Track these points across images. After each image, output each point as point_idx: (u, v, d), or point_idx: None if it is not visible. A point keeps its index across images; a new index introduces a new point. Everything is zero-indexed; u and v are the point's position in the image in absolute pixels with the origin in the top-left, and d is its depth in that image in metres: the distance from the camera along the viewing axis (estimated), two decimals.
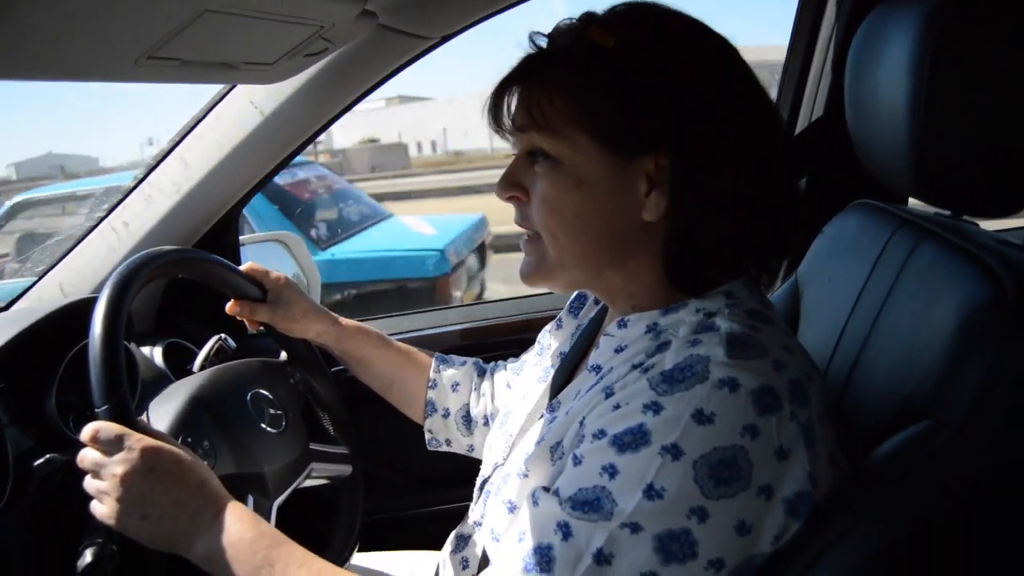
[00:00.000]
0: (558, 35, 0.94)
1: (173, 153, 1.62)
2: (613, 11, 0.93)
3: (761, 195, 0.90)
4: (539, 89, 0.91)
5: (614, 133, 0.89)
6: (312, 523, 1.31)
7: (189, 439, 1.14)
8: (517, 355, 1.37)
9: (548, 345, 1.23)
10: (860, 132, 1.12)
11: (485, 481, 1.10)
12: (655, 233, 0.92)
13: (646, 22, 0.91)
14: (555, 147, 0.91)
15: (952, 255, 0.95)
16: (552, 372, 1.13)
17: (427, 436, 1.45)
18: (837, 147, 1.33)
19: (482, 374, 1.43)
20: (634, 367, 0.87)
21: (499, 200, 0.99)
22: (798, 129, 1.69)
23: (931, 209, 1.09)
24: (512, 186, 0.97)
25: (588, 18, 0.92)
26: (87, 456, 0.99)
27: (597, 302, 1.18)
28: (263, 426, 1.28)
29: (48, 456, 1.18)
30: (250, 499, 1.17)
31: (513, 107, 0.94)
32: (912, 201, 1.33)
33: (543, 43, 0.96)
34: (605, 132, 0.89)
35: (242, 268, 1.35)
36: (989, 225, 1.09)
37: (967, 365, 0.82)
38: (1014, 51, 0.91)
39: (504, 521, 0.93)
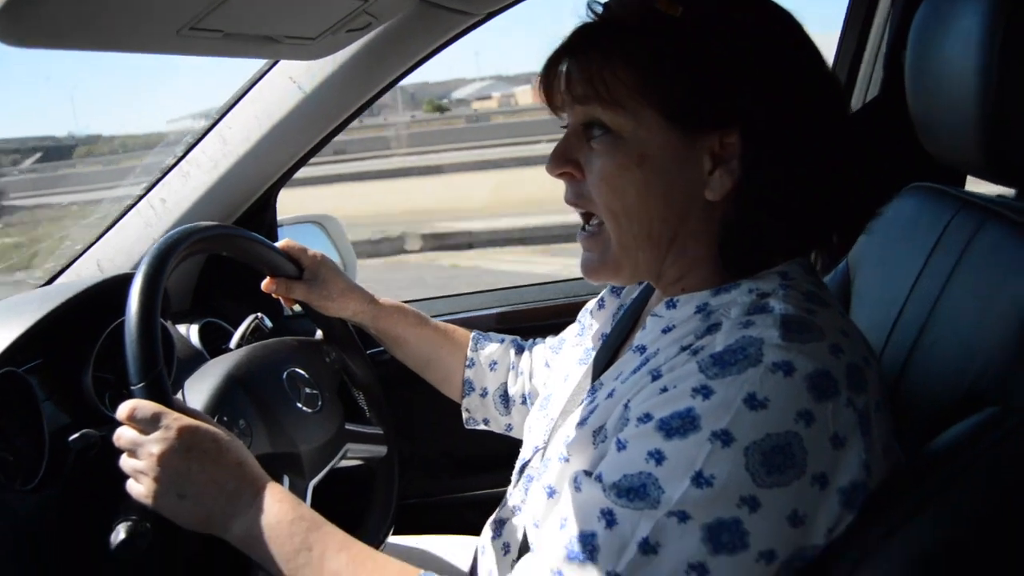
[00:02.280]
0: (620, 4, 0.90)
1: (213, 130, 1.61)
2: None
3: (826, 175, 0.87)
4: (602, 59, 0.86)
5: (682, 108, 0.85)
6: (347, 504, 1.29)
7: (225, 418, 1.13)
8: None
9: (589, 325, 1.20)
10: (922, 110, 1.08)
11: (525, 464, 1.07)
12: (715, 212, 0.88)
13: None
14: (617, 121, 0.87)
15: (1019, 236, 0.91)
16: (594, 353, 1.10)
17: (464, 415, 1.43)
18: (893, 127, 1.29)
19: (520, 352, 1.41)
20: (683, 349, 0.84)
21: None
22: (852, 110, 1.64)
23: (992, 192, 1.05)
24: (565, 162, 0.92)
25: None
26: (123, 435, 0.98)
27: (641, 281, 1.15)
28: (299, 405, 1.27)
29: (83, 431, 1.18)
30: (286, 479, 1.16)
31: (572, 78, 0.89)
32: (969, 187, 1.29)
33: (602, 12, 0.91)
34: (673, 106, 0.85)
35: (278, 245, 1.33)
36: None
37: None
38: None
39: (545, 507, 0.90)
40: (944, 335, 0.97)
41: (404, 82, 1.68)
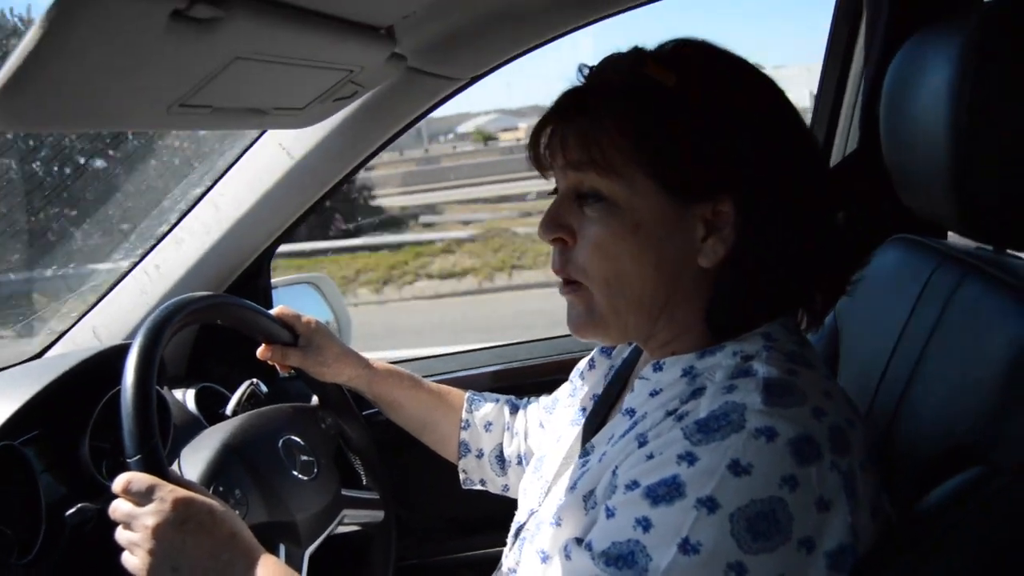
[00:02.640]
0: (612, 69, 0.90)
1: (205, 197, 1.63)
2: (667, 48, 0.90)
3: (813, 235, 0.88)
4: (597, 125, 0.87)
5: (677, 176, 0.86)
6: (344, 570, 1.29)
7: (221, 488, 1.13)
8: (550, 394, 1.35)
9: (581, 385, 1.21)
10: (897, 165, 1.10)
11: (521, 527, 1.07)
12: (706, 278, 0.89)
13: (702, 61, 0.89)
14: (612, 189, 0.87)
15: (1000, 291, 0.92)
16: (585, 415, 1.11)
17: (462, 476, 1.43)
18: (872, 181, 1.31)
19: (514, 411, 1.41)
20: (668, 414, 0.85)
21: None
22: (832, 163, 1.66)
23: (971, 243, 1.07)
24: (558, 227, 0.91)
25: (642, 54, 0.89)
26: (119, 507, 0.98)
27: (631, 342, 1.16)
28: (295, 473, 1.27)
29: (80, 505, 1.18)
30: (282, 548, 1.16)
31: (567, 143, 0.89)
32: (950, 235, 1.30)
33: (592, 75, 0.92)
34: (667, 175, 0.86)
35: (273, 312, 1.35)
36: None
37: (1019, 406, 0.79)
38: None
39: (537, 571, 0.90)
40: (930, 390, 0.97)
41: None
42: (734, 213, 0.86)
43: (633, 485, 0.80)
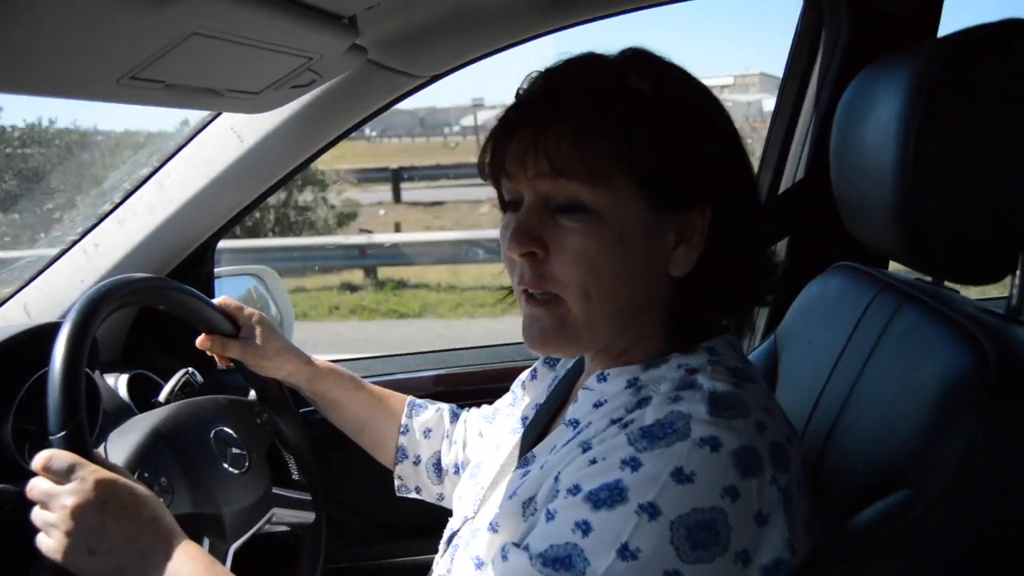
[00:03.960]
0: (588, 76, 0.89)
1: (152, 178, 1.59)
2: (633, 56, 0.90)
3: (764, 249, 0.92)
4: (586, 133, 0.85)
5: (662, 186, 0.86)
6: (270, 570, 1.26)
7: (146, 474, 1.10)
8: (491, 403, 1.34)
9: (522, 396, 1.20)
10: (844, 193, 1.12)
11: (454, 534, 1.06)
12: (671, 287, 0.90)
13: (667, 70, 0.90)
14: (597, 198, 0.85)
15: (934, 321, 0.94)
16: (526, 424, 1.10)
17: (397, 482, 1.41)
18: (819, 208, 1.33)
19: (455, 419, 1.40)
20: (613, 422, 0.85)
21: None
22: (781, 189, 1.69)
23: (912, 274, 1.09)
24: (532, 240, 0.87)
25: (623, 62, 0.89)
26: (37, 486, 0.95)
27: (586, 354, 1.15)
28: (225, 465, 1.24)
29: None
30: (206, 541, 1.13)
31: (557, 149, 0.85)
32: (892, 265, 1.33)
33: (569, 82, 0.90)
34: (652, 185, 0.85)
35: (216, 302, 1.32)
36: (968, 292, 1.09)
37: (949, 434, 0.81)
38: (1001, 119, 0.91)
39: None
40: (863, 415, 0.99)
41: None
42: (705, 223, 0.87)
43: (575, 489, 0.79)
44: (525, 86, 0.93)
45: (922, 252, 0.97)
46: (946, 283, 1.07)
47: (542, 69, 0.93)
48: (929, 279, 1.08)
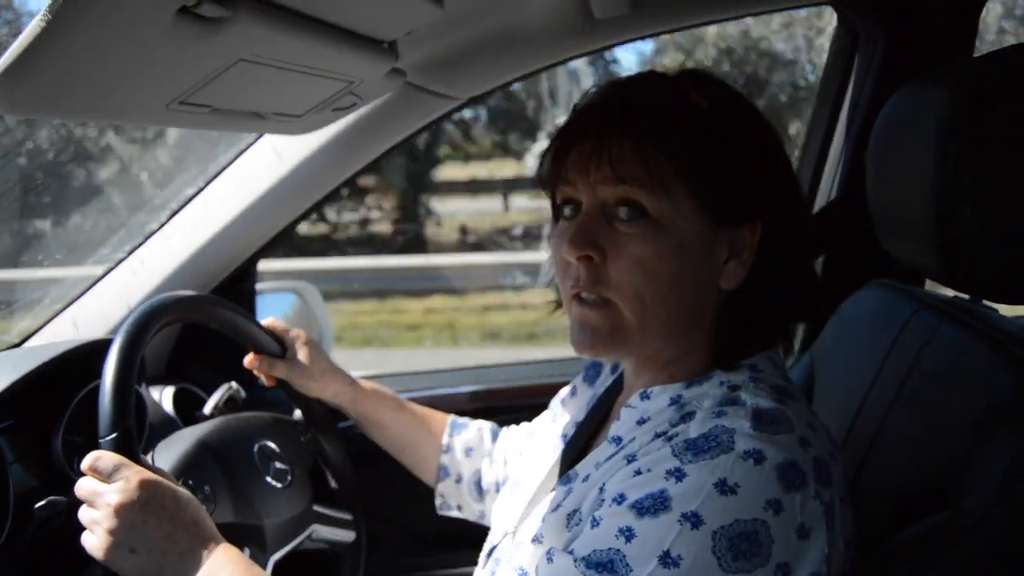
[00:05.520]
0: (649, 91, 0.92)
1: (197, 197, 1.63)
2: (691, 74, 0.94)
3: (809, 267, 0.94)
4: (648, 143, 0.87)
5: (719, 199, 0.88)
6: None
7: (190, 481, 1.12)
8: (529, 419, 1.35)
9: (562, 413, 1.21)
10: (882, 211, 1.11)
11: (493, 548, 1.07)
12: (722, 301, 0.92)
13: (722, 89, 0.93)
14: (658, 206, 0.87)
15: (975, 340, 0.94)
16: (566, 441, 1.11)
17: (438, 501, 1.42)
18: (855, 226, 1.33)
19: (495, 438, 1.41)
20: (657, 435, 0.86)
21: None
22: (816, 207, 1.69)
23: (949, 292, 1.08)
24: (589, 245, 0.89)
25: (679, 78, 0.92)
26: (84, 485, 0.98)
27: (613, 371, 1.16)
28: (268, 479, 1.26)
29: (50, 499, 1.17)
30: (246, 551, 1.15)
31: (622, 156, 0.88)
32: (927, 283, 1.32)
33: (632, 95, 0.93)
34: (710, 196, 0.88)
35: (264, 323, 1.35)
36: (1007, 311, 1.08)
37: (991, 454, 0.80)
38: None
39: None
40: (900, 435, 0.99)
41: None
42: (756, 238, 0.89)
43: (620, 498, 0.81)
44: (584, 101, 0.96)
45: (961, 270, 0.97)
46: (984, 301, 1.06)
47: (601, 84, 0.96)
48: (967, 297, 1.08)
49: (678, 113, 0.89)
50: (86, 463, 0.98)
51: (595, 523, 0.82)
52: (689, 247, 0.88)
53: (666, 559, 0.75)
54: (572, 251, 0.90)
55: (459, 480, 1.39)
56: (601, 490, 0.86)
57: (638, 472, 0.82)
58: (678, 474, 0.78)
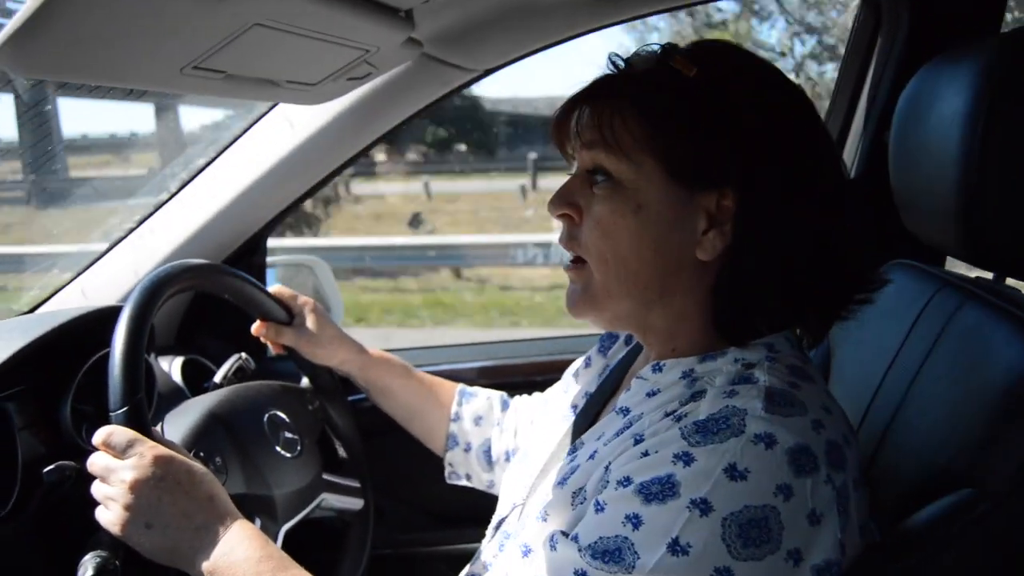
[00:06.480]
0: (638, 59, 0.93)
1: (208, 168, 1.62)
2: (697, 44, 0.92)
3: (814, 247, 0.88)
4: (613, 108, 0.89)
5: (684, 163, 0.87)
6: (318, 554, 1.28)
7: (202, 453, 1.12)
8: (541, 392, 1.35)
9: (574, 384, 1.20)
10: (904, 189, 1.10)
11: (502, 521, 1.07)
12: (707, 273, 0.89)
13: (728, 58, 0.91)
14: (619, 168, 0.88)
15: (998, 319, 0.92)
16: (576, 412, 1.10)
17: (447, 469, 1.42)
18: (874, 206, 1.31)
19: (505, 408, 1.40)
20: (667, 414, 0.85)
21: None
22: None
23: (970, 272, 1.07)
24: (566, 204, 0.93)
25: (671, 47, 0.91)
26: (97, 461, 0.97)
27: (628, 342, 1.16)
28: (277, 449, 1.26)
29: (59, 463, 1.17)
30: (257, 521, 1.15)
31: (582, 123, 0.92)
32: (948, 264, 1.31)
33: (623, 66, 0.94)
34: (674, 160, 0.87)
35: (271, 290, 1.34)
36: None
37: (1014, 432, 0.79)
38: None
39: (519, 564, 0.90)
40: (921, 414, 0.98)
41: None
42: (736, 208, 0.86)
43: (626, 481, 0.79)
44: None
45: (984, 248, 0.95)
46: (1007, 281, 1.04)
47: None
48: (990, 277, 1.06)
49: (649, 77, 0.89)
50: (98, 438, 0.97)
51: (600, 508, 0.80)
52: (651, 210, 0.88)
53: (675, 546, 0.74)
54: (550, 209, 0.94)
55: (468, 449, 1.39)
56: (607, 469, 0.85)
57: (645, 454, 0.81)
58: (686, 458, 0.77)
